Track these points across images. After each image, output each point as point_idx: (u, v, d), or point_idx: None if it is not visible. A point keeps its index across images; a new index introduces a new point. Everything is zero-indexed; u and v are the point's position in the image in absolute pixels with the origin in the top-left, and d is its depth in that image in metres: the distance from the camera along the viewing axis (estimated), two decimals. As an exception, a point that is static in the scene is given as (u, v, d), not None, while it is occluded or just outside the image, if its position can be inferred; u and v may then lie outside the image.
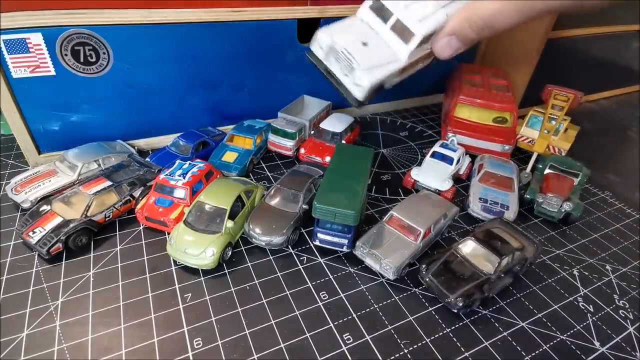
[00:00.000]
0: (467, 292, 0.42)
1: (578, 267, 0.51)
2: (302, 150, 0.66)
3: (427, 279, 0.45)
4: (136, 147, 0.65)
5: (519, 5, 0.34)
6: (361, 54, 0.38)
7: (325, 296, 0.44)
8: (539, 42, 0.73)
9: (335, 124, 0.69)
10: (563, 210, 0.56)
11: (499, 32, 0.38)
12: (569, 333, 0.42)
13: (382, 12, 0.40)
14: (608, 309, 0.45)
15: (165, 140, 0.67)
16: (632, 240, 0.56)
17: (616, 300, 0.46)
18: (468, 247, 0.47)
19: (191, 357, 0.37)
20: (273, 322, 0.41)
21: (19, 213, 0.53)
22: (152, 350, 0.38)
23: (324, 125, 0.69)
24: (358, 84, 0.39)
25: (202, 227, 0.48)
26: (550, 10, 0.35)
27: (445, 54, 0.40)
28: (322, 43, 0.41)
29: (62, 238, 0.46)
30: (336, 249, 0.49)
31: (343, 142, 0.67)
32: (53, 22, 0.51)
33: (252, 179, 0.62)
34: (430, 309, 0.44)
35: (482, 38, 0.38)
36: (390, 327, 0.41)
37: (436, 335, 0.41)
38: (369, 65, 0.38)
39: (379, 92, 0.41)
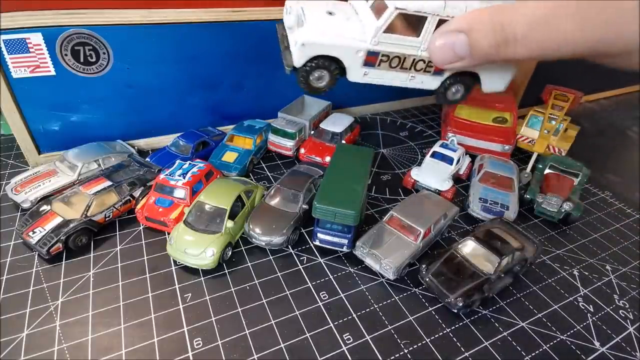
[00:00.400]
0: (467, 292, 0.42)
1: (578, 267, 0.51)
2: (302, 150, 0.66)
3: (427, 279, 0.44)
4: (136, 147, 0.65)
5: (594, 31, 0.23)
6: (317, 17, 0.32)
7: (325, 296, 0.44)
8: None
9: (335, 124, 0.69)
10: (563, 210, 0.56)
11: (534, 57, 0.26)
12: (569, 333, 0.42)
13: None
14: (608, 309, 0.45)
15: (165, 140, 0.67)
16: (632, 240, 0.56)
17: (616, 300, 0.46)
18: (468, 247, 0.47)
19: (191, 357, 0.37)
20: (273, 322, 0.41)
21: (19, 213, 0.53)
22: (152, 350, 0.38)
23: (324, 125, 0.69)
24: (296, 41, 0.31)
25: (202, 227, 0.47)
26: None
27: (440, 56, 0.29)
28: (290, 9, 0.35)
29: (62, 238, 0.46)
30: (336, 249, 0.49)
31: (343, 142, 0.67)
32: (53, 22, 0.51)
33: (252, 179, 0.62)
34: (430, 309, 0.44)
35: (503, 58, 0.26)
36: (390, 327, 0.41)
37: (436, 335, 0.41)
38: (320, 29, 0.31)
39: (335, 78, 0.33)
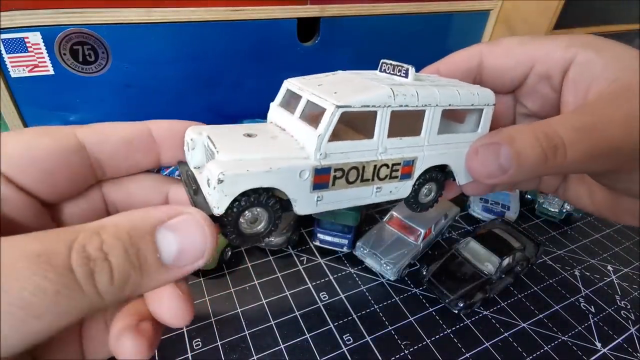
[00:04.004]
0: (468, 292, 0.42)
1: (579, 267, 0.50)
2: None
3: (428, 280, 0.44)
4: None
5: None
6: (233, 142, 0.23)
7: (326, 297, 0.44)
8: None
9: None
10: (564, 211, 0.55)
11: (584, 168, 0.24)
12: (570, 334, 0.42)
13: (291, 103, 0.26)
14: (609, 310, 0.45)
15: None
16: (634, 240, 0.55)
17: (617, 301, 0.46)
18: (469, 248, 0.46)
19: (190, 358, 0.37)
20: (273, 322, 0.41)
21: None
22: (151, 351, 0.38)
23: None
24: (209, 179, 0.20)
25: (202, 228, 0.47)
26: None
27: (482, 170, 0.25)
28: (192, 143, 0.24)
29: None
30: (336, 249, 0.49)
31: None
32: (51, 21, 0.51)
33: (251, 179, 0.62)
34: (431, 309, 0.43)
35: (551, 169, 0.23)
36: (390, 328, 0.41)
37: (437, 336, 0.41)
38: (240, 154, 0.21)
39: (277, 216, 0.23)
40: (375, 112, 0.23)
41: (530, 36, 0.29)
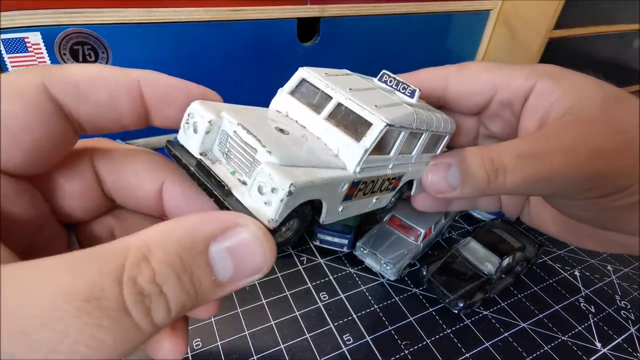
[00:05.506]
0: (468, 292, 0.42)
1: (579, 267, 0.50)
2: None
3: (428, 280, 0.44)
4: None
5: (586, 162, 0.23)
6: (272, 139, 0.19)
7: (326, 297, 0.44)
8: (541, 41, 0.73)
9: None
10: (564, 210, 0.55)
11: (527, 191, 0.26)
12: (570, 334, 0.42)
13: (309, 97, 0.24)
14: (609, 310, 0.45)
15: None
16: (634, 240, 0.55)
17: (617, 301, 0.46)
18: (469, 248, 0.46)
19: (190, 358, 0.37)
20: (273, 322, 0.41)
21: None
22: (151, 351, 0.38)
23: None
24: (273, 188, 0.17)
25: (202, 228, 0.47)
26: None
27: (433, 187, 0.27)
28: (197, 119, 0.21)
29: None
30: (336, 249, 0.49)
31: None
32: (52, 21, 0.51)
33: (251, 179, 0.62)
34: (431, 309, 0.43)
35: (495, 190, 0.25)
36: (390, 328, 0.41)
37: (437, 336, 0.41)
38: (290, 160, 0.19)
39: (305, 224, 0.22)
40: (400, 132, 0.24)
41: (495, 63, 0.31)
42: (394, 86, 0.27)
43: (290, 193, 0.17)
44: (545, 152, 0.24)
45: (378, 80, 0.27)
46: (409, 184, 0.30)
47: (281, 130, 0.21)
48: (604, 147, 0.24)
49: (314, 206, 0.21)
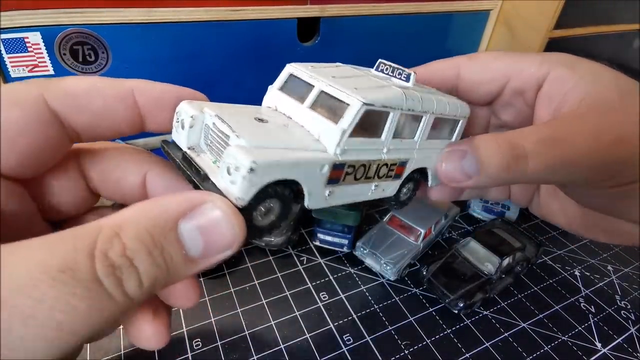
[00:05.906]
0: (468, 292, 0.42)
1: (579, 267, 0.50)
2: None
3: (428, 280, 0.44)
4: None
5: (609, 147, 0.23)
6: (246, 126, 0.21)
7: (326, 297, 0.44)
8: (541, 41, 0.73)
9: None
10: (564, 210, 0.55)
11: (548, 179, 0.25)
12: (570, 334, 0.42)
13: (296, 90, 0.25)
14: (610, 310, 0.45)
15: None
16: (634, 240, 0.55)
17: (618, 301, 0.46)
18: (469, 248, 0.46)
19: (190, 358, 0.37)
20: (273, 322, 0.41)
21: (17, 213, 0.53)
22: (151, 351, 0.38)
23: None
24: (237, 166, 0.18)
25: (202, 228, 0.47)
26: None
27: (448, 175, 0.26)
28: (183, 116, 0.22)
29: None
30: (336, 249, 0.49)
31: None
32: (51, 21, 0.51)
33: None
34: (431, 309, 0.43)
35: (514, 177, 0.24)
36: (390, 328, 0.41)
37: (437, 336, 0.41)
38: (259, 142, 0.19)
39: (288, 208, 0.22)
40: (388, 113, 0.24)
41: (506, 52, 0.30)
42: (390, 73, 0.27)
43: (251, 169, 0.17)
44: (568, 136, 0.23)
45: (375, 69, 0.27)
46: (424, 174, 0.29)
47: (260, 120, 0.22)
48: (625, 135, 0.23)
49: (298, 190, 0.21)
